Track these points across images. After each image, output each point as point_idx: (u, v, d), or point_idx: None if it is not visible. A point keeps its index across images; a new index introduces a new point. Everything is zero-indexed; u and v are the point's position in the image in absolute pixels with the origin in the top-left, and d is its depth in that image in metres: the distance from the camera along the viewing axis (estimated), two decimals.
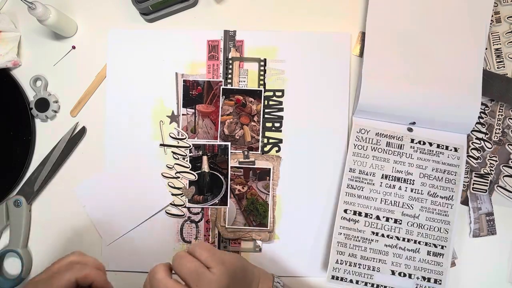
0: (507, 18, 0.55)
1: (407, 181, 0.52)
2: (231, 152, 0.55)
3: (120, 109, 0.56)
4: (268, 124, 0.55)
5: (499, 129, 0.54)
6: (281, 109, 0.55)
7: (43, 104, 0.55)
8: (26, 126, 0.55)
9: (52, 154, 0.55)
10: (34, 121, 0.56)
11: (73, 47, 0.57)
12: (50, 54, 0.57)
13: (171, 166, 0.55)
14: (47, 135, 0.56)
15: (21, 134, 0.56)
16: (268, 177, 0.55)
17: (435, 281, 0.50)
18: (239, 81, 0.56)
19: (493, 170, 0.54)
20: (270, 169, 0.55)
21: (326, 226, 0.54)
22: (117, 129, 0.56)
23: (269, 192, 0.54)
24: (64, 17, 0.54)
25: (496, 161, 0.54)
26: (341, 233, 0.51)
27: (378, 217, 0.51)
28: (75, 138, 0.55)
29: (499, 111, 0.54)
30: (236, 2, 0.56)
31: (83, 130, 0.56)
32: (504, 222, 0.53)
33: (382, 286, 0.51)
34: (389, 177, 0.52)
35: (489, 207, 0.54)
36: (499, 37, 0.55)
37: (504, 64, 0.54)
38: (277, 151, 0.55)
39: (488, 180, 0.54)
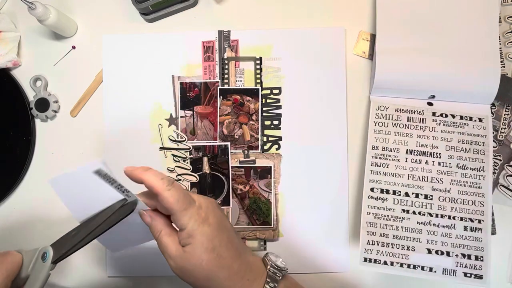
0: (507, 18, 0.55)
1: (433, 154, 0.50)
2: (231, 152, 0.55)
3: (118, 114, 0.56)
4: (267, 122, 0.55)
5: (504, 128, 0.54)
6: (279, 107, 0.55)
7: (43, 104, 0.55)
8: (26, 126, 0.55)
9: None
10: (34, 121, 0.56)
11: (73, 47, 0.57)
12: (50, 54, 0.56)
13: (172, 169, 0.55)
14: (47, 135, 0.56)
15: (21, 134, 0.55)
16: (269, 175, 0.54)
17: (476, 257, 0.47)
18: (236, 81, 0.56)
19: (496, 169, 0.54)
20: (271, 167, 0.54)
21: (329, 220, 0.53)
22: (116, 134, 0.55)
23: (271, 190, 0.54)
24: (64, 17, 0.54)
25: (500, 160, 0.54)
26: (369, 213, 0.48)
27: (407, 194, 0.49)
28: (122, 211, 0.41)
29: (505, 111, 0.54)
30: (236, 2, 0.56)
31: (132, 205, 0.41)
32: (504, 222, 0.52)
33: (419, 266, 0.47)
34: (414, 152, 0.50)
35: None
36: (499, 37, 0.54)
37: (504, 64, 0.54)
38: (277, 149, 0.55)
39: None
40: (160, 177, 0.37)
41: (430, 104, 0.51)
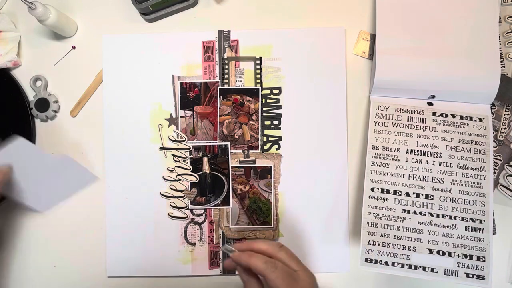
0: (507, 18, 0.55)
1: (434, 154, 0.50)
2: (231, 152, 0.55)
3: (118, 114, 0.56)
4: (267, 122, 0.55)
5: (504, 128, 0.54)
6: (279, 107, 0.55)
7: (43, 104, 0.55)
8: (26, 126, 0.55)
9: None
10: (34, 121, 0.56)
11: (73, 47, 0.57)
12: (50, 54, 0.56)
13: (172, 169, 0.55)
14: (47, 135, 0.56)
15: (21, 134, 0.55)
16: (269, 175, 0.54)
17: (478, 258, 0.47)
18: (236, 81, 0.56)
19: (496, 169, 0.54)
20: (271, 167, 0.54)
21: (329, 220, 0.53)
22: (116, 134, 0.55)
23: (271, 190, 0.54)
24: (64, 17, 0.54)
25: (500, 160, 0.54)
26: (370, 213, 0.48)
27: (407, 194, 0.49)
28: None
29: (505, 111, 0.54)
30: (236, 2, 0.56)
31: None
32: (504, 222, 0.52)
33: (420, 267, 0.47)
34: (415, 152, 0.50)
35: None
36: (499, 37, 0.54)
37: (504, 64, 0.54)
38: (277, 149, 0.55)
39: None
40: (263, 260, 0.40)
41: (430, 104, 0.51)
